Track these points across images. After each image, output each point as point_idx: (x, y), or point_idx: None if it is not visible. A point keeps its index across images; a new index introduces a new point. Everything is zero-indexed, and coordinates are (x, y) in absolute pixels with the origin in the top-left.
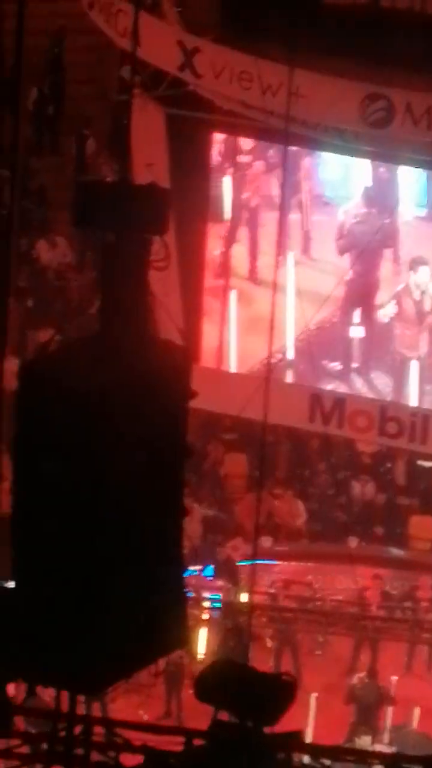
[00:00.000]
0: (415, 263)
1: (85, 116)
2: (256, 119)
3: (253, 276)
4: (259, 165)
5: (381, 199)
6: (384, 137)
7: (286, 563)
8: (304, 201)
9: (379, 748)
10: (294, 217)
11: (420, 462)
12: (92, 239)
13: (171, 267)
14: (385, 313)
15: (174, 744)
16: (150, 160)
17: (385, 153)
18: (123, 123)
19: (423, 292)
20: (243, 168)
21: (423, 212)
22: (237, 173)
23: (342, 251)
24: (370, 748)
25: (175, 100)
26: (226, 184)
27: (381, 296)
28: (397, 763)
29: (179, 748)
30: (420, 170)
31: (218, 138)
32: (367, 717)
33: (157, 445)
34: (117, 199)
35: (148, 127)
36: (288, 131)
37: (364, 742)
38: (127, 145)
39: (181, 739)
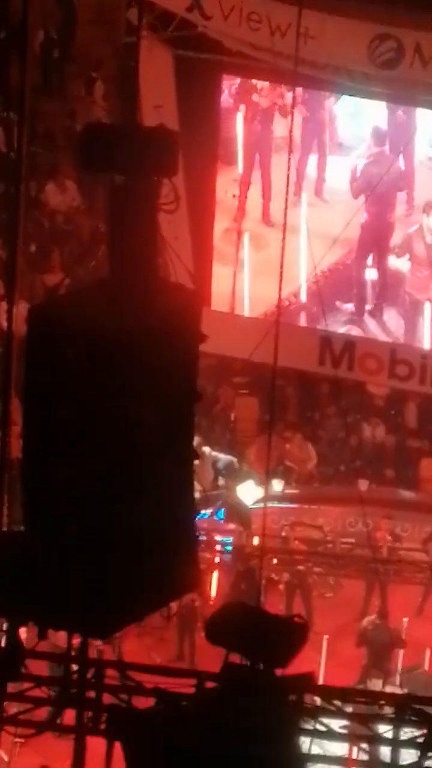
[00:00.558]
0: (429, 206)
1: (93, 59)
2: (265, 60)
3: (265, 218)
4: (271, 106)
5: (393, 139)
6: (394, 78)
7: (297, 506)
8: (320, 144)
9: (390, 690)
10: (311, 159)
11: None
12: (101, 183)
13: (180, 210)
14: (398, 254)
15: (186, 686)
16: (159, 103)
17: (397, 94)
18: (131, 65)
19: None
20: (256, 109)
21: None
22: (249, 115)
23: (357, 194)
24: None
25: (184, 41)
26: (239, 125)
27: (395, 238)
28: (408, 704)
29: (191, 690)
30: None
31: (232, 79)
32: (378, 659)
33: (168, 389)
34: (125, 142)
35: (156, 69)
36: (297, 72)
37: (375, 685)
38: (135, 87)
39: (192, 681)
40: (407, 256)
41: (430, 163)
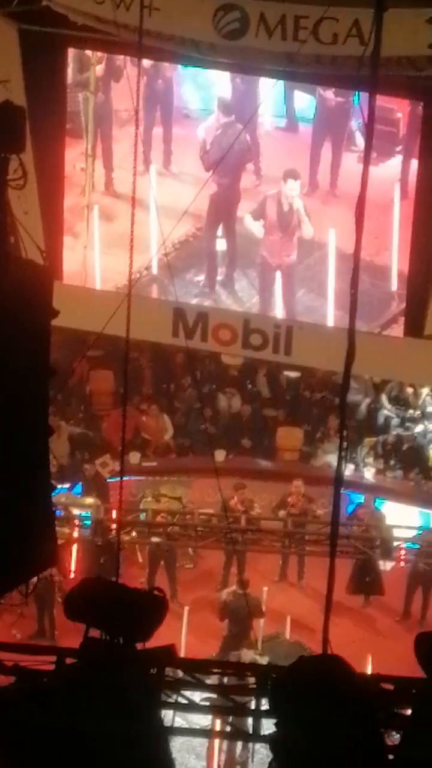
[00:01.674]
0: (287, 175)
1: None
2: (111, 33)
3: (109, 189)
4: (116, 78)
5: (240, 110)
6: (240, 49)
7: (155, 478)
8: (164, 115)
9: (251, 659)
10: (156, 131)
11: (286, 373)
12: None
13: (29, 185)
14: (251, 222)
15: (46, 663)
16: (4, 78)
17: (243, 65)
18: None
19: (291, 205)
20: (101, 82)
21: (282, 123)
22: (95, 88)
23: (208, 166)
24: (246, 660)
25: (29, 15)
26: (84, 99)
27: (244, 208)
28: (270, 673)
29: (51, 667)
30: (278, 81)
31: (76, 53)
32: (239, 629)
33: (20, 365)
34: None
35: (1, 44)
36: (141, 45)
37: (243, 654)
38: None
39: (52, 658)
40: (262, 221)
41: (275, 133)
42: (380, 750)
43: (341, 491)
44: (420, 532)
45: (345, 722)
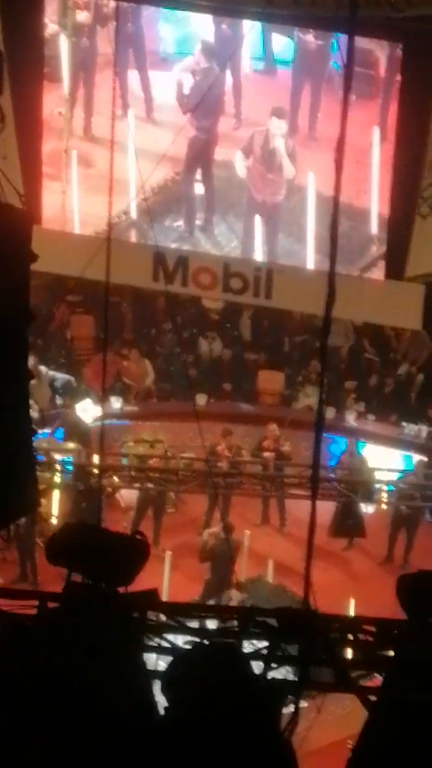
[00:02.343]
0: (273, 113)
1: None
2: None
3: (87, 133)
4: (94, 21)
5: (220, 53)
6: None
7: (136, 423)
8: (140, 58)
9: (234, 602)
10: (133, 74)
11: (266, 316)
12: None
13: (7, 130)
14: (240, 160)
15: (28, 608)
16: None
17: (222, 7)
18: None
19: (275, 145)
20: (79, 26)
21: (260, 66)
22: (78, 33)
23: (186, 110)
24: (229, 603)
25: None
26: (63, 43)
27: (222, 152)
28: (252, 616)
29: (33, 611)
30: (256, 24)
31: None
32: (221, 572)
33: None
34: None
35: None
36: None
37: (228, 597)
38: None
39: (34, 602)
40: (250, 160)
41: (254, 76)
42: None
43: (322, 435)
44: (401, 475)
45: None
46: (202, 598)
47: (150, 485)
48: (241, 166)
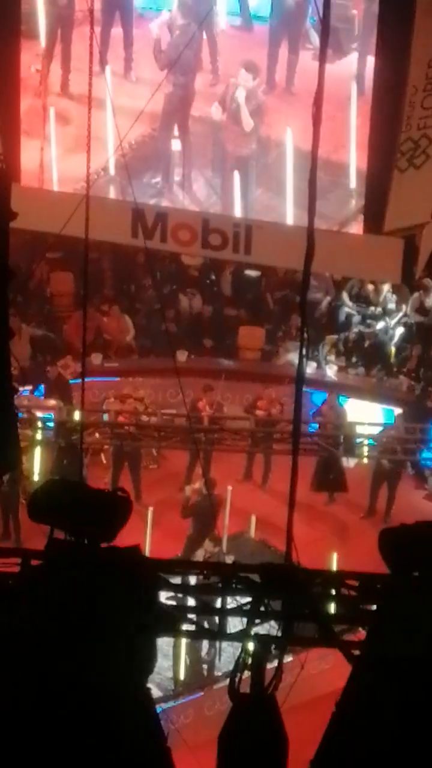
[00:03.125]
0: (243, 66)
1: None
2: None
3: (64, 90)
4: None
5: (197, 9)
6: None
7: (117, 379)
8: (123, 17)
9: (208, 554)
10: (114, 32)
11: (247, 272)
12: None
13: None
14: (216, 112)
15: (11, 566)
16: None
17: None
18: None
19: (246, 98)
20: None
21: (237, 21)
22: None
23: (163, 66)
24: (205, 556)
25: None
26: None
27: (198, 107)
28: (235, 572)
29: (16, 569)
30: None
31: None
32: (203, 528)
33: None
34: None
35: None
36: None
37: (208, 546)
38: None
39: (17, 560)
40: (219, 117)
41: (230, 31)
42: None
43: (303, 389)
44: (383, 428)
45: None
46: (184, 553)
47: (131, 441)
48: (217, 119)
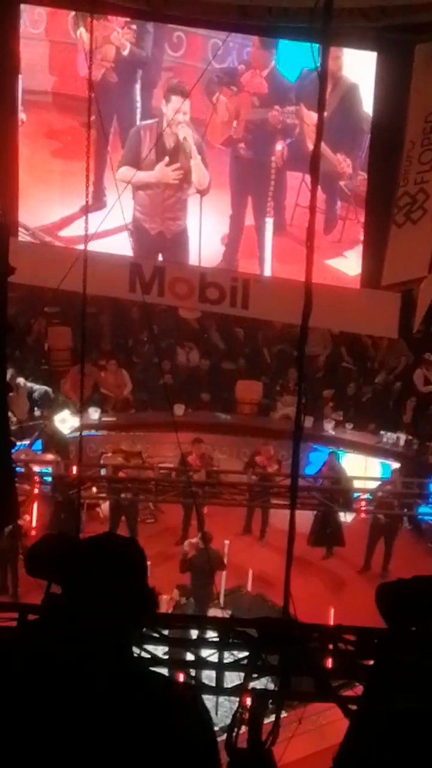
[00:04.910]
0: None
1: None
2: None
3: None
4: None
5: None
6: (191, 1)
7: (114, 433)
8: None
9: (213, 612)
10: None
11: (243, 325)
12: None
13: None
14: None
15: (8, 620)
16: None
17: (195, 18)
18: None
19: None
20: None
21: None
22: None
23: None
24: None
25: None
26: (42, 54)
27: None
28: (231, 627)
29: (13, 624)
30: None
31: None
32: (202, 583)
33: None
34: None
35: None
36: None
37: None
38: None
39: (14, 615)
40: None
41: None
42: None
43: (301, 443)
44: (380, 483)
45: None
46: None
47: (128, 496)
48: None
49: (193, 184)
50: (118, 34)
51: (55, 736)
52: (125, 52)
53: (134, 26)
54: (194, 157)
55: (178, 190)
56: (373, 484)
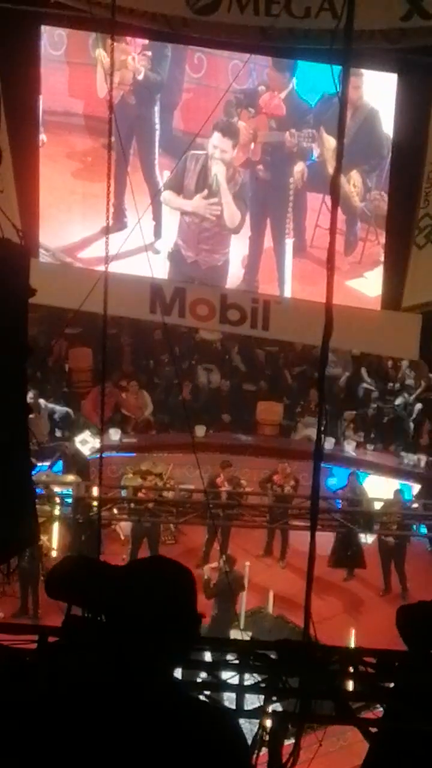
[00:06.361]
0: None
1: None
2: (83, 10)
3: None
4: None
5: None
6: (212, 24)
7: (135, 455)
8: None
9: (234, 634)
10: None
11: (265, 347)
12: None
13: (5, 164)
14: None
15: (29, 642)
16: None
17: (216, 40)
18: None
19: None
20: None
21: None
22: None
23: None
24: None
25: None
26: (62, 76)
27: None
28: (252, 649)
29: (33, 646)
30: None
31: (55, 31)
32: (227, 606)
33: None
34: None
35: None
36: (114, 22)
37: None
38: None
39: (34, 637)
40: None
41: None
42: None
43: (322, 465)
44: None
45: None
46: (212, 634)
47: (149, 517)
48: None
49: (225, 220)
50: (134, 59)
51: (74, 761)
52: (140, 77)
53: (149, 52)
54: (224, 195)
55: (216, 225)
56: (395, 506)
